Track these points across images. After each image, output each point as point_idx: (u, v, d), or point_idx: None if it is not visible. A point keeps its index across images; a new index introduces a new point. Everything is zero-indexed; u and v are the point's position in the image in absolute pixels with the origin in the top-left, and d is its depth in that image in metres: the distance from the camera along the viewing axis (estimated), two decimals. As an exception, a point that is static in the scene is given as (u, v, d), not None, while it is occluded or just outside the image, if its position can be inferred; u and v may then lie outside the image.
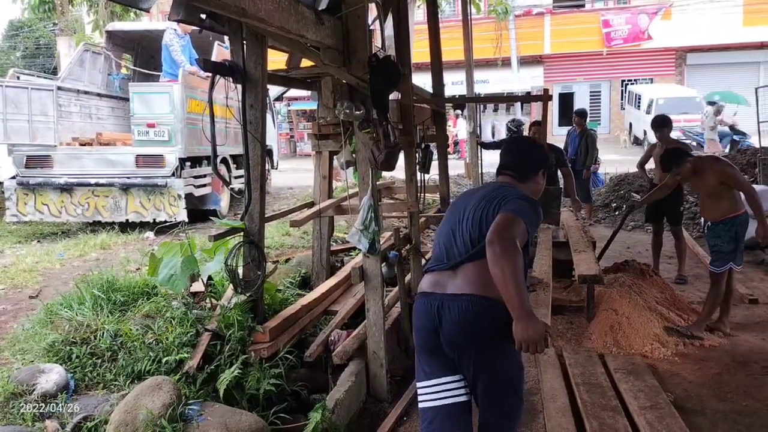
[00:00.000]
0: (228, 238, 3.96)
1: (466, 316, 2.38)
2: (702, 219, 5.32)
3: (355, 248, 6.13)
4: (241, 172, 4.49)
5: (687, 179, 5.29)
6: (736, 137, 16.76)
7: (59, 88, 9.49)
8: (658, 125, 6.72)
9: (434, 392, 2.52)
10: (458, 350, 2.44)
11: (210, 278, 4.26)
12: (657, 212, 6.89)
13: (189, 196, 9.10)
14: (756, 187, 6.07)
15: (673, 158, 5.20)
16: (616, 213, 10.99)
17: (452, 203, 2.92)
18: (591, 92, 27.79)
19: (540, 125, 8.72)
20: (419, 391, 2.59)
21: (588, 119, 10.28)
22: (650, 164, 7.34)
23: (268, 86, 4.33)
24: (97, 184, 8.85)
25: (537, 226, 2.53)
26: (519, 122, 9.71)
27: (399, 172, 5.72)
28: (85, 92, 10.28)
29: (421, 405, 2.58)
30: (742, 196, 4.95)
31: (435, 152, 6.95)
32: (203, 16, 3.12)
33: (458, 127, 23.10)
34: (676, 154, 5.24)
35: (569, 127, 11.58)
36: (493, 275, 2.23)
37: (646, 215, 7.35)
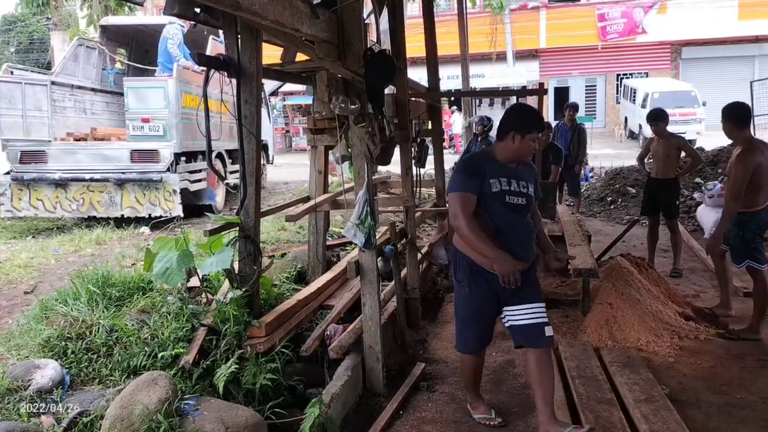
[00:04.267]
0: (223, 233, 3.96)
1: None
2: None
3: (350, 243, 6.13)
4: (237, 167, 4.49)
5: (737, 143, 4.87)
6: None
7: (53, 83, 9.44)
8: (653, 119, 6.72)
9: None
10: None
11: (205, 273, 4.26)
12: (653, 206, 6.91)
13: (184, 191, 9.08)
14: None
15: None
16: (612, 207, 11.02)
17: None
18: (586, 86, 27.80)
19: (576, 109, 9.85)
20: None
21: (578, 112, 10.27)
22: (648, 158, 7.34)
23: (263, 81, 4.32)
24: (91, 180, 8.82)
25: (473, 176, 3.25)
26: (486, 119, 9.61)
27: (395, 167, 5.71)
28: (80, 87, 10.23)
29: None
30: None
31: (430, 146, 6.96)
32: (197, 9, 3.11)
33: (453, 120, 23.09)
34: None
35: (557, 121, 11.55)
36: (464, 243, 3.32)
37: (642, 209, 7.36)
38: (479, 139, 9.27)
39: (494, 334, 4.95)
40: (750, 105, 11.72)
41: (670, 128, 6.82)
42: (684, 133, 15.23)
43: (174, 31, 9.27)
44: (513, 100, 26.27)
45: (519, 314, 3.34)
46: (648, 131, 6.95)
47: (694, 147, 8.47)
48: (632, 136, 23.78)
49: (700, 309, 5.35)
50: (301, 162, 17.91)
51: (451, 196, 3.25)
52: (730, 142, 10.84)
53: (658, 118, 6.68)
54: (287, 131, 28.79)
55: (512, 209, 3.28)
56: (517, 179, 3.30)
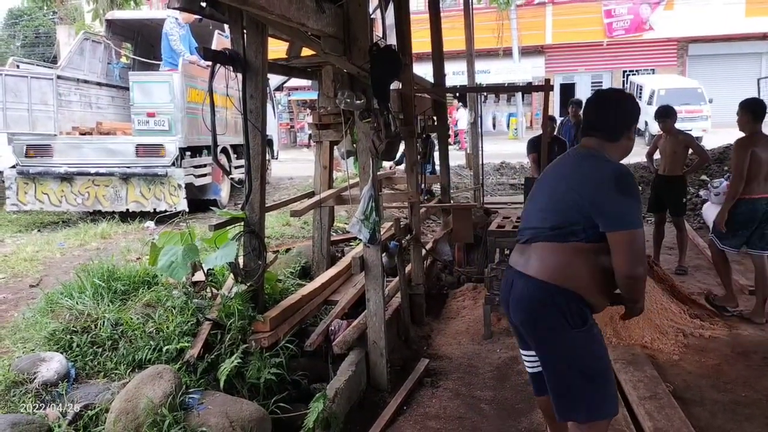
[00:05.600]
0: (228, 227, 3.96)
1: (525, 298, 2.46)
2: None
3: (355, 238, 6.13)
4: (241, 161, 4.49)
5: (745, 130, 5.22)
6: None
7: (59, 77, 9.46)
8: (661, 116, 6.70)
9: (525, 360, 2.80)
10: (523, 329, 2.56)
11: (210, 268, 4.26)
12: (659, 203, 6.88)
13: (189, 186, 9.09)
14: None
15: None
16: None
17: (545, 170, 2.78)
18: (592, 83, 27.72)
19: (580, 105, 9.41)
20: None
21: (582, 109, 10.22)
22: (656, 155, 7.30)
23: (269, 76, 4.31)
24: (97, 174, 8.84)
25: (640, 203, 2.43)
26: None
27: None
28: (85, 81, 10.24)
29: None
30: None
31: (435, 142, 6.95)
32: (203, 4, 3.11)
33: (458, 117, 23.04)
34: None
35: (561, 118, 11.51)
36: (624, 294, 2.46)
37: (648, 206, 7.34)
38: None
39: (497, 331, 5.00)
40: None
41: (676, 125, 6.79)
42: (690, 130, 15.10)
43: (170, 25, 9.27)
44: (519, 96, 26.29)
45: None
46: (653, 128, 7.00)
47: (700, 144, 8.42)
48: (637, 132, 23.70)
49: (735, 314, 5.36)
50: (306, 157, 17.92)
51: (634, 234, 2.30)
52: (735, 139, 10.85)
53: (666, 115, 6.65)
54: (292, 126, 28.81)
55: None
56: None
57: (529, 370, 2.78)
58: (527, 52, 26.51)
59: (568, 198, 2.40)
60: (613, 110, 2.58)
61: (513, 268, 2.57)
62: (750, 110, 5.11)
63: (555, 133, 8.84)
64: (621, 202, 2.32)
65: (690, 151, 6.81)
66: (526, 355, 2.76)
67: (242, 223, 3.85)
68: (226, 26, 4.30)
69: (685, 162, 6.86)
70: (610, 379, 2.53)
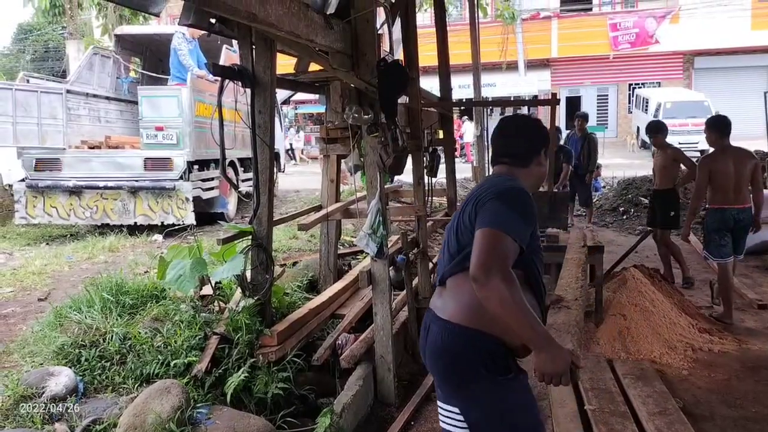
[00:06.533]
0: (236, 241, 3.97)
1: (440, 345, 2.17)
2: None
3: (362, 252, 6.14)
4: (249, 175, 4.52)
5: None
6: None
7: (68, 92, 9.54)
8: (651, 131, 6.75)
9: (440, 414, 2.30)
10: (438, 380, 2.26)
11: (218, 281, 4.27)
12: (652, 216, 6.91)
13: (197, 199, 9.12)
14: (766, 192, 6.11)
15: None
16: (624, 217, 10.96)
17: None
18: (598, 96, 27.74)
19: (585, 118, 9.95)
20: None
21: (588, 122, 10.26)
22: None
23: (276, 90, 4.34)
24: (105, 187, 8.88)
25: (529, 224, 2.12)
26: None
27: (406, 176, 5.71)
28: (94, 95, 10.33)
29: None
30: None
31: (442, 156, 6.96)
32: (213, 20, 3.14)
33: (464, 130, 23.06)
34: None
35: (568, 131, 11.54)
36: (492, 313, 1.99)
37: (647, 221, 7.34)
38: None
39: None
40: (764, 115, 11.69)
41: (683, 138, 6.81)
42: (697, 143, 15.14)
43: (179, 40, 9.35)
44: (525, 110, 26.30)
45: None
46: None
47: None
48: (644, 145, 23.64)
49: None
50: (312, 170, 17.96)
51: (495, 234, 2.02)
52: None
53: (655, 130, 6.72)
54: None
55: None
56: None
57: (447, 427, 2.27)
58: (533, 65, 26.59)
59: (464, 217, 2.21)
60: (519, 136, 2.41)
61: (431, 311, 2.28)
62: (715, 128, 5.52)
63: (561, 143, 8.93)
64: (498, 208, 2.09)
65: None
66: (443, 409, 2.26)
67: (250, 237, 3.87)
68: (234, 41, 4.34)
69: (676, 176, 6.85)
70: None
